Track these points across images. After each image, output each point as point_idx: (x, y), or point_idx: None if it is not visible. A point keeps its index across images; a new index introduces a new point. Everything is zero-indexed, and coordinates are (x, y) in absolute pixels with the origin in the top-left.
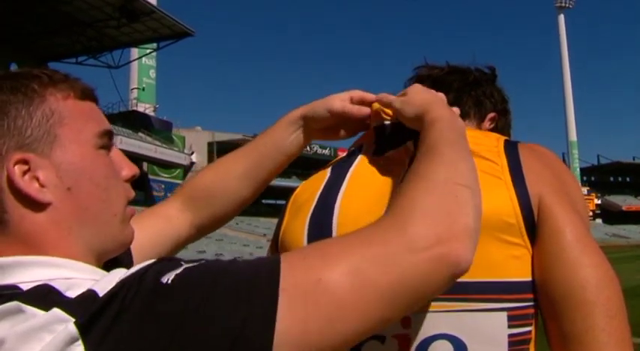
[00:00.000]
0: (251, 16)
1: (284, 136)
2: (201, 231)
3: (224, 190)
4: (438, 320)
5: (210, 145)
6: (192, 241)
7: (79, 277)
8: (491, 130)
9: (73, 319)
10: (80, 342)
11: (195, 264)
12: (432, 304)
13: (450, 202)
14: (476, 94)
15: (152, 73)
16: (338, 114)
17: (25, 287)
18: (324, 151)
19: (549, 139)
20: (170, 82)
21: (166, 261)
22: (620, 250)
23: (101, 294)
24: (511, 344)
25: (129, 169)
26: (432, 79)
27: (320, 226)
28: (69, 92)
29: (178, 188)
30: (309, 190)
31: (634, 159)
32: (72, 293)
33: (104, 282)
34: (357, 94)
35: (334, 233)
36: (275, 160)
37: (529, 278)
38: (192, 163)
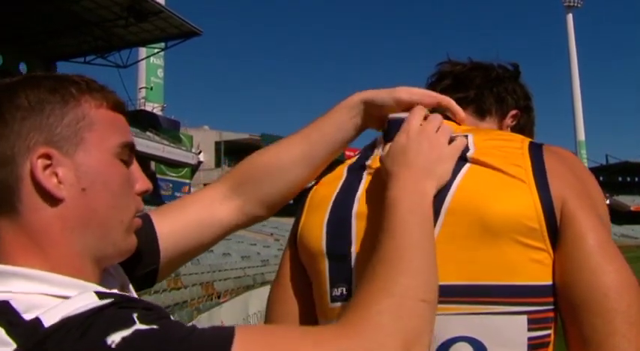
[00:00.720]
0: (259, 16)
1: (343, 120)
2: (253, 217)
3: (277, 172)
4: (458, 323)
5: (217, 144)
6: (244, 227)
7: (51, 292)
8: (513, 127)
9: (14, 346)
10: None
11: (146, 328)
12: (453, 306)
13: (410, 325)
14: (498, 90)
15: (160, 72)
16: (404, 104)
17: None
18: None
19: (557, 138)
20: (178, 82)
21: (120, 306)
22: (629, 250)
23: (46, 325)
24: (531, 347)
25: (143, 184)
26: (454, 75)
27: (339, 221)
28: (102, 102)
29: (228, 171)
30: (327, 187)
31: None
32: (29, 315)
33: (54, 311)
34: (421, 91)
35: (353, 228)
36: (332, 145)
37: (550, 282)
38: (199, 163)
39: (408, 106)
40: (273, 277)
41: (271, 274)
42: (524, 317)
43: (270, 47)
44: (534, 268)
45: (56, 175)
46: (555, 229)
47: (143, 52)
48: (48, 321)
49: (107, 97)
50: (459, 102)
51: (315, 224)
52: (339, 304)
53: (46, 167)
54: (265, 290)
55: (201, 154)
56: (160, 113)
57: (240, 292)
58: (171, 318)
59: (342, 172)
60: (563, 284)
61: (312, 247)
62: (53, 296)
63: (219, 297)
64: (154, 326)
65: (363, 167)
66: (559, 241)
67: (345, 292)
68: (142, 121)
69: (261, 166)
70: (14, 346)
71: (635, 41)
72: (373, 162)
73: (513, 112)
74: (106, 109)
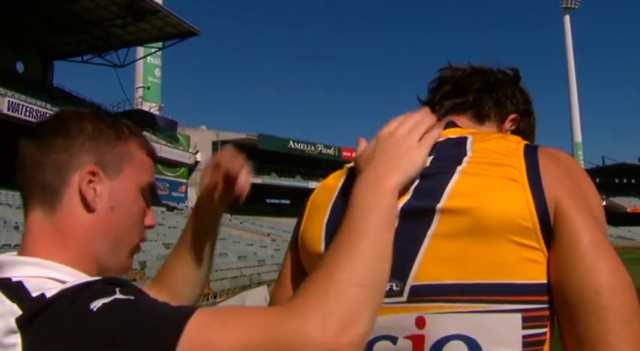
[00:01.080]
0: (257, 16)
1: (199, 221)
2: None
3: (187, 285)
4: (452, 321)
5: (214, 144)
6: None
7: (57, 277)
8: (513, 131)
9: (20, 312)
10: (19, 334)
11: (124, 298)
12: (447, 305)
13: (346, 309)
14: (497, 95)
15: (157, 72)
16: (214, 181)
17: (14, 280)
18: (328, 150)
19: (554, 140)
20: (175, 81)
21: (106, 283)
22: (625, 252)
23: (48, 295)
24: (525, 345)
25: (151, 220)
26: (454, 80)
27: (338, 224)
28: (143, 146)
29: (155, 278)
30: (327, 190)
31: (639, 160)
32: (36, 293)
33: (56, 289)
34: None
35: None
36: (208, 239)
37: (544, 281)
38: (196, 162)
39: (217, 176)
40: (269, 277)
41: (268, 274)
42: (519, 315)
43: (268, 47)
44: (528, 266)
45: (95, 190)
46: (549, 228)
47: (141, 51)
48: (50, 294)
49: (147, 144)
50: (458, 107)
51: (315, 226)
52: None
53: (89, 181)
54: (262, 290)
55: (199, 153)
56: (157, 113)
57: (237, 292)
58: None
59: (341, 175)
60: (558, 283)
61: (311, 249)
62: (58, 281)
63: (215, 297)
64: (131, 297)
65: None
66: (553, 240)
67: None
68: (139, 120)
69: (172, 286)
70: (20, 312)
71: (633, 43)
72: None
73: (512, 116)
74: (144, 153)
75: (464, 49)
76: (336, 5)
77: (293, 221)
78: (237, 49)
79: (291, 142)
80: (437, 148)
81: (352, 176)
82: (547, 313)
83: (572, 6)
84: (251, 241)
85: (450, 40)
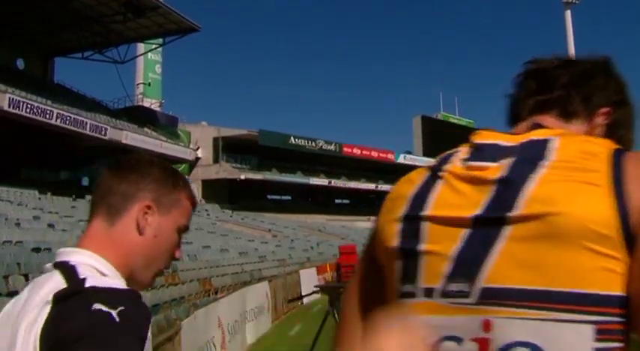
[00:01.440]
0: (257, 12)
1: None
2: None
3: None
4: (520, 327)
5: (215, 140)
6: None
7: (101, 269)
8: (607, 124)
9: (65, 286)
10: (50, 306)
11: (113, 319)
12: (516, 310)
13: None
14: (585, 89)
15: (158, 68)
16: None
17: (71, 263)
18: (329, 146)
19: None
20: (176, 78)
21: (126, 297)
22: None
23: (86, 284)
24: None
25: (179, 254)
26: (539, 74)
27: (411, 220)
28: (190, 197)
29: None
30: (408, 184)
31: None
32: (82, 277)
33: (95, 279)
34: None
35: (423, 228)
36: None
37: (622, 292)
38: (197, 159)
39: None
40: (270, 273)
41: (269, 270)
42: (591, 327)
43: (268, 43)
44: (605, 276)
45: (147, 219)
46: (631, 237)
47: (141, 47)
48: (89, 283)
49: (193, 196)
50: (542, 105)
51: (390, 220)
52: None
53: (145, 212)
54: (263, 286)
55: (199, 150)
56: (157, 109)
57: (238, 288)
58: (145, 331)
59: (420, 173)
60: (637, 294)
61: (385, 243)
62: (100, 272)
63: (216, 292)
64: (117, 320)
65: (441, 170)
66: (635, 249)
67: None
68: (140, 117)
69: None
70: (65, 286)
71: (634, 39)
72: (451, 167)
73: (604, 109)
74: (190, 202)
75: (464, 48)
76: (336, 3)
77: (294, 217)
78: (238, 45)
79: (291, 138)
80: (519, 150)
81: (435, 174)
82: (622, 326)
83: (573, 1)
84: (252, 237)
85: (451, 38)
